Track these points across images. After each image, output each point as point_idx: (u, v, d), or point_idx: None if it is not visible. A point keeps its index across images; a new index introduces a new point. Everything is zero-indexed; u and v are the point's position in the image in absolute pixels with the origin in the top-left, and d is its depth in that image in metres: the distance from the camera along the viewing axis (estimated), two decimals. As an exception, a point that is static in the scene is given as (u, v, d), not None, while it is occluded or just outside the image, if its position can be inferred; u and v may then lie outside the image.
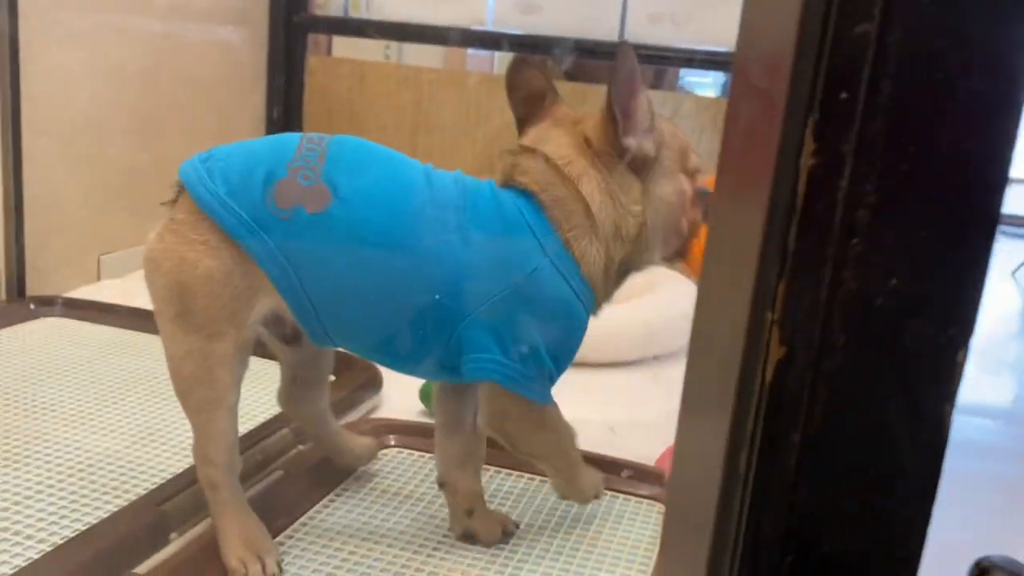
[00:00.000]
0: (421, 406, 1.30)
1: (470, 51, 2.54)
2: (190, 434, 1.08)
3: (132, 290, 1.68)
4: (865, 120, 0.29)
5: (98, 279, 1.75)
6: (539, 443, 0.88)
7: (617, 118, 0.80)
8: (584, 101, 2.08)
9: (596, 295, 0.85)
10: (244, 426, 1.12)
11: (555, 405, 0.87)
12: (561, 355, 0.85)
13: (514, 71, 0.89)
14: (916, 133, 0.30)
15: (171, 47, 1.88)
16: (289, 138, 0.82)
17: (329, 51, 2.27)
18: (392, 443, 1.13)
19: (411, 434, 1.16)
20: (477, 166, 2.34)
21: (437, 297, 0.80)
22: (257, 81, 2.14)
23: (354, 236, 0.78)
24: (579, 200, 0.81)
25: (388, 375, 1.32)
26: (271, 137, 0.85)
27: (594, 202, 0.81)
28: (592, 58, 2.08)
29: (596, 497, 0.96)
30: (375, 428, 1.16)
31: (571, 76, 2.18)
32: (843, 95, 0.29)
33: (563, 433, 0.89)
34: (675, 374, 1.41)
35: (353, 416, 1.23)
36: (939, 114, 0.30)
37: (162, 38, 1.85)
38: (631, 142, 0.81)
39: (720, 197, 0.32)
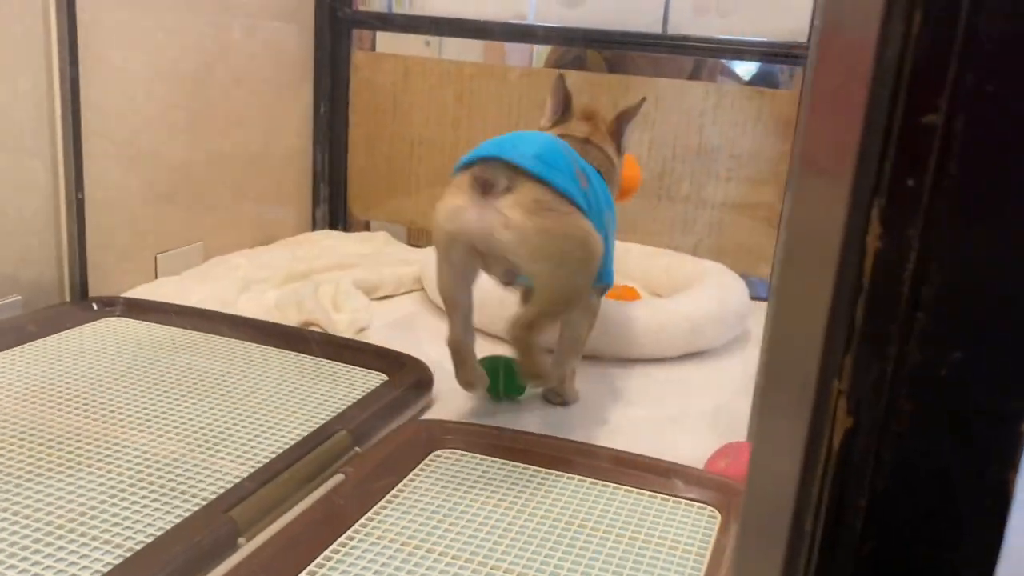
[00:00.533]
0: (471, 405, 1.33)
1: (507, 44, 2.55)
2: (249, 438, 1.12)
3: (189, 287, 1.73)
4: (931, 204, 0.30)
5: (155, 277, 1.80)
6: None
7: (622, 140, 1.39)
8: (627, 91, 2.08)
9: None
10: (302, 429, 1.16)
11: None
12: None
13: (559, 85, 1.36)
14: (982, 216, 0.31)
15: (221, 46, 1.91)
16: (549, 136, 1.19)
17: (373, 46, 2.29)
18: (446, 444, 1.16)
19: (463, 435, 1.18)
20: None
21: (611, 229, 1.24)
22: (304, 77, 2.17)
23: (600, 201, 1.16)
24: (616, 171, 1.37)
25: (438, 374, 1.35)
26: (547, 137, 1.17)
27: (619, 172, 1.38)
28: (636, 50, 2.07)
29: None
30: (428, 429, 1.19)
31: (613, 67, 2.17)
32: (910, 182, 0.30)
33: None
34: (720, 370, 1.44)
35: (406, 416, 1.26)
36: (1005, 198, 0.31)
37: (213, 37, 1.89)
38: (623, 149, 1.40)
39: (788, 271, 0.34)
